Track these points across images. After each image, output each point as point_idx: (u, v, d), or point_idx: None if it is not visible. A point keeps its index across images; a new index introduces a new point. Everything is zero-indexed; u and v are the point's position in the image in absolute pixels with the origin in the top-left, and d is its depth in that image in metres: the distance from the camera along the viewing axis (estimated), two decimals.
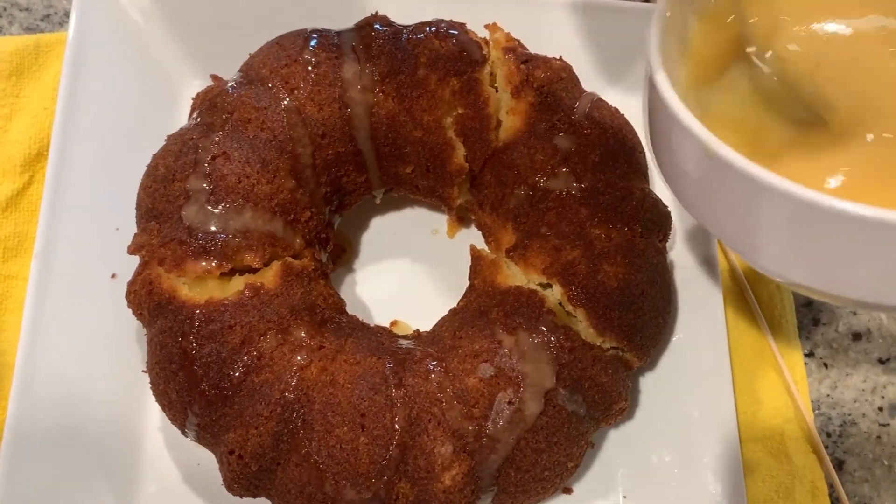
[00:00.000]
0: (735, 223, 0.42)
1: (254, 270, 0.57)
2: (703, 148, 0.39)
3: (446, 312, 0.63)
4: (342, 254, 0.71)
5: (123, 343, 0.64)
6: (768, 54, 0.44)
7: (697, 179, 0.42)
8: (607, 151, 0.62)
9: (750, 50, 0.44)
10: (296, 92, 0.61)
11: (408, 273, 0.70)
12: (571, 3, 0.74)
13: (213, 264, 0.55)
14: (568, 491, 0.63)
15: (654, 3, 0.73)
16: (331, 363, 0.56)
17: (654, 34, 0.44)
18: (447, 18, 0.66)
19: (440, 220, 0.72)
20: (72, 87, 0.66)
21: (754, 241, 0.41)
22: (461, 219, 0.72)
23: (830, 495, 0.65)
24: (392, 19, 0.66)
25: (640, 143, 0.66)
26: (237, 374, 0.54)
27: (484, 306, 0.59)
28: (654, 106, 0.43)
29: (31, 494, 0.58)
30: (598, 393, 0.58)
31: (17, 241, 0.68)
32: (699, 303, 0.66)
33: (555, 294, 0.58)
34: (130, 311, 0.59)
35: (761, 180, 0.37)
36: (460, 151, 0.63)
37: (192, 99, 0.64)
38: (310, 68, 0.62)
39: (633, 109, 0.67)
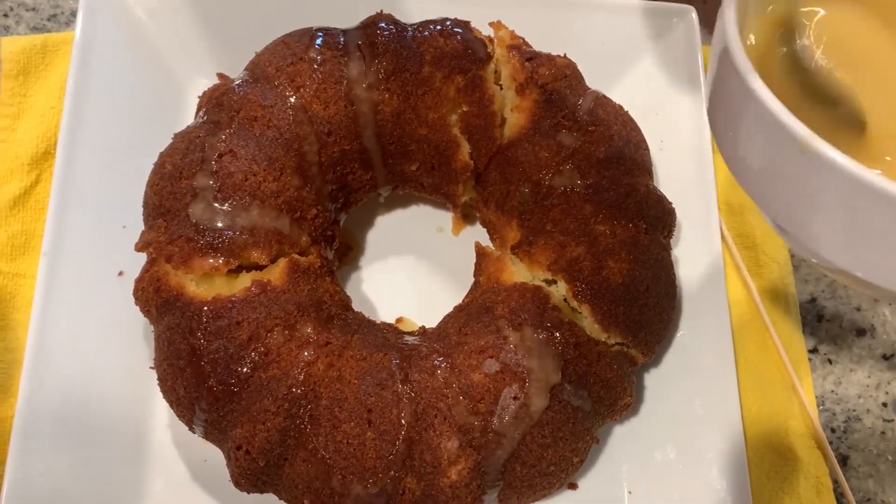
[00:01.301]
0: (809, 214, 0.40)
1: (260, 267, 0.58)
2: (798, 144, 0.37)
3: (451, 309, 0.63)
4: (348, 252, 0.71)
5: (131, 340, 0.64)
6: (801, 43, 0.43)
7: (777, 170, 0.40)
8: (611, 148, 0.62)
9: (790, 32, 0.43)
10: (302, 90, 0.61)
11: (413, 270, 0.70)
12: (575, 1, 0.74)
13: (220, 261, 0.56)
14: (573, 486, 0.63)
15: (657, 2, 0.73)
16: (337, 359, 0.56)
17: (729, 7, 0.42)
18: (452, 16, 0.66)
19: (445, 217, 0.73)
20: (79, 86, 0.67)
21: (830, 235, 0.40)
22: (466, 216, 0.72)
23: (835, 491, 0.65)
24: (397, 17, 0.66)
25: (643, 140, 0.66)
26: (244, 370, 0.54)
27: (489, 302, 0.60)
28: (730, 86, 0.41)
29: (40, 490, 0.58)
30: (602, 388, 0.58)
31: (24, 240, 0.68)
32: (703, 299, 0.67)
33: (560, 290, 0.58)
34: (138, 308, 0.59)
35: (874, 185, 0.35)
36: (465, 149, 0.63)
37: (199, 97, 0.64)
38: (315, 66, 0.62)
39: (636, 106, 0.68)
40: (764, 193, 0.43)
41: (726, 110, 0.43)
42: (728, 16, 0.42)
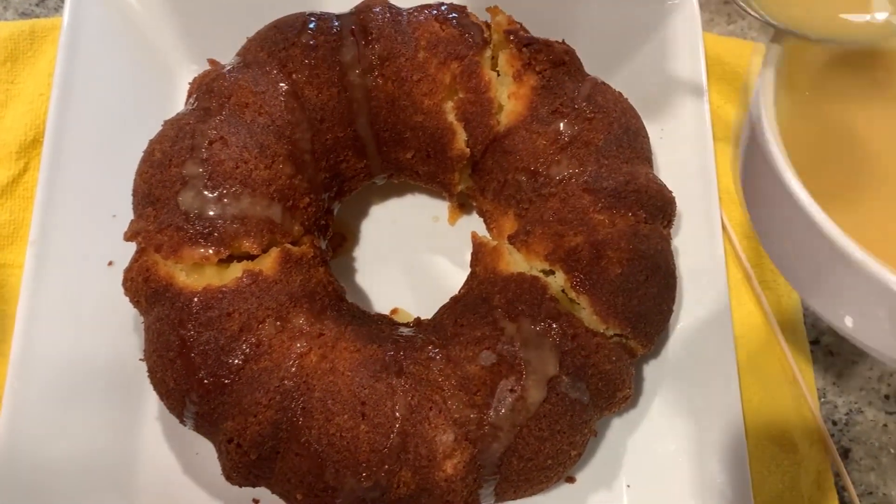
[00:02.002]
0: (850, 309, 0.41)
1: (252, 257, 0.56)
2: (842, 257, 0.37)
3: (447, 300, 0.62)
4: (343, 242, 0.70)
5: (121, 331, 0.63)
6: None
7: (821, 273, 0.41)
8: (611, 136, 0.61)
9: None
10: (294, 76, 0.60)
11: (408, 260, 0.69)
12: None
13: (211, 251, 0.54)
14: (571, 480, 0.62)
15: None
16: (331, 351, 0.55)
17: (766, 95, 0.41)
18: (447, 1, 0.65)
19: (441, 206, 0.71)
20: (67, 73, 0.65)
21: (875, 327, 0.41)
22: (462, 205, 0.71)
23: (836, 484, 0.64)
24: (391, 2, 0.65)
25: (643, 128, 0.65)
26: (235, 361, 0.53)
27: (486, 293, 0.58)
28: (768, 183, 0.41)
29: (29, 482, 0.57)
30: (601, 380, 0.57)
31: (12, 229, 0.67)
32: (703, 290, 0.65)
33: (557, 281, 0.57)
34: (127, 298, 0.58)
35: None
36: (461, 136, 0.62)
37: (189, 84, 0.63)
38: (308, 52, 0.61)
39: (636, 94, 0.66)
40: (804, 290, 0.44)
41: (767, 209, 0.43)
42: (764, 97, 0.41)
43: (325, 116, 0.61)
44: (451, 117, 0.62)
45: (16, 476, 0.57)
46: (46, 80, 0.70)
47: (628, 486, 0.62)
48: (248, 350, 0.53)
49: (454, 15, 0.63)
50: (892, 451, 0.67)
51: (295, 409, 0.53)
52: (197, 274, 0.55)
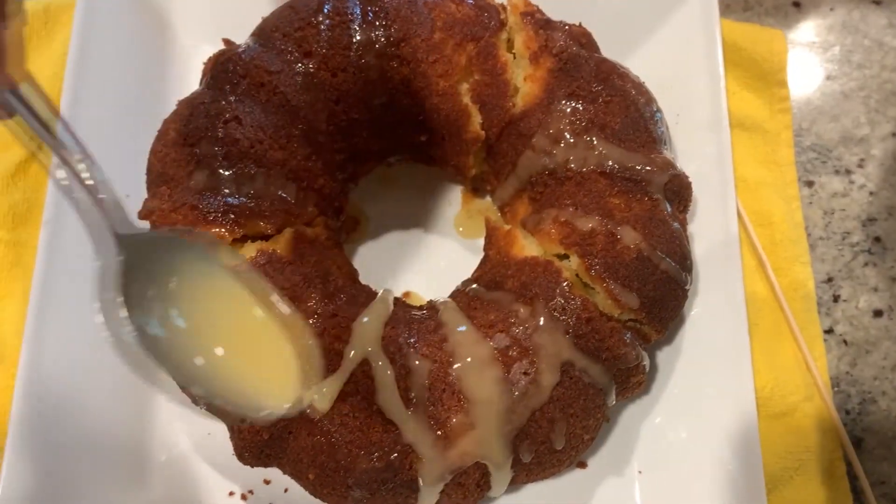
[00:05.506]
0: None
1: (266, 237, 0.56)
2: None
3: (460, 283, 0.62)
4: (356, 226, 0.69)
5: None
6: None
7: None
8: (627, 120, 0.60)
9: None
10: (309, 56, 0.60)
11: (421, 244, 0.69)
12: None
13: (225, 230, 0.54)
14: (583, 465, 0.62)
15: None
16: (344, 331, 0.55)
17: None
18: None
19: (455, 190, 0.71)
20: (81, 53, 0.65)
21: None
22: (476, 189, 0.70)
23: (848, 473, 0.64)
24: None
25: (659, 112, 0.64)
26: None
27: (499, 277, 0.58)
28: None
29: (42, 463, 0.57)
30: (614, 365, 0.56)
31: (26, 208, 0.67)
32: (718, 276, 0.65)
33: (572, 265, 0.57)
34: None
35: None
36: (476, 119, 0.62)
37: (204, 63, 0.63)
38: (324, 32, 0.60)
39: (652, 78, 0.66)
40: None
41: None
42: None
43: (340, 97, 0.60)
44: (467, 99, 0.61)
45: (32, 455, 0.57)
46: (60, 61, 0.70)
47: (640, 471, 0.62)
48: None
49: None
50: None
51: None
52: None
